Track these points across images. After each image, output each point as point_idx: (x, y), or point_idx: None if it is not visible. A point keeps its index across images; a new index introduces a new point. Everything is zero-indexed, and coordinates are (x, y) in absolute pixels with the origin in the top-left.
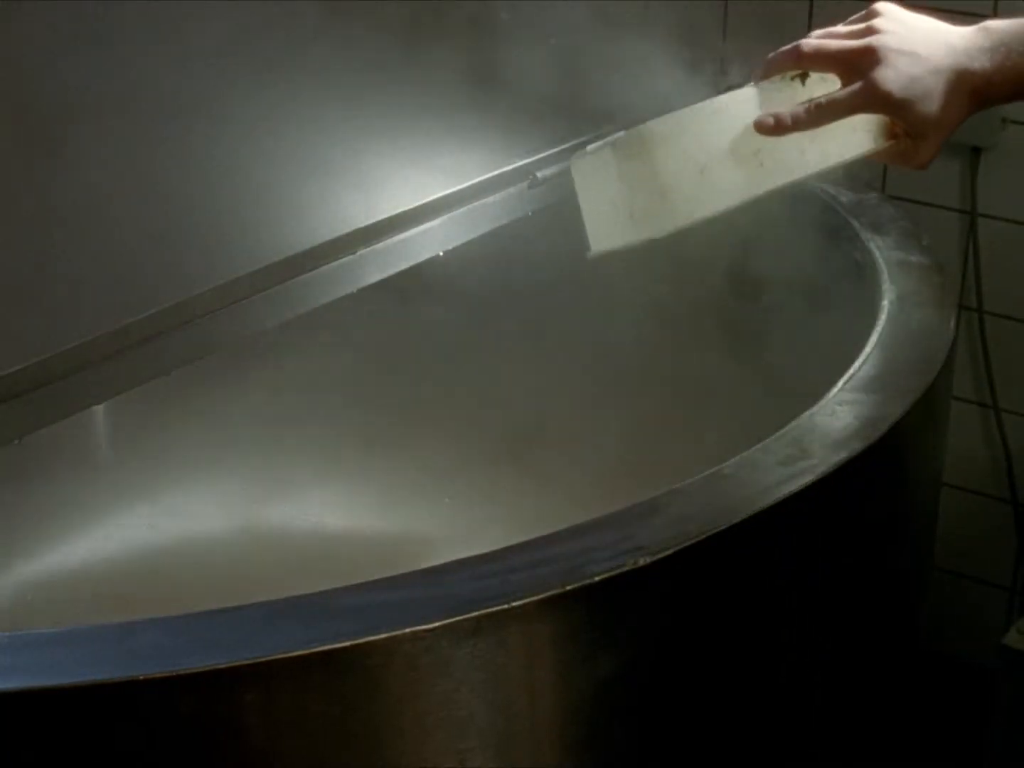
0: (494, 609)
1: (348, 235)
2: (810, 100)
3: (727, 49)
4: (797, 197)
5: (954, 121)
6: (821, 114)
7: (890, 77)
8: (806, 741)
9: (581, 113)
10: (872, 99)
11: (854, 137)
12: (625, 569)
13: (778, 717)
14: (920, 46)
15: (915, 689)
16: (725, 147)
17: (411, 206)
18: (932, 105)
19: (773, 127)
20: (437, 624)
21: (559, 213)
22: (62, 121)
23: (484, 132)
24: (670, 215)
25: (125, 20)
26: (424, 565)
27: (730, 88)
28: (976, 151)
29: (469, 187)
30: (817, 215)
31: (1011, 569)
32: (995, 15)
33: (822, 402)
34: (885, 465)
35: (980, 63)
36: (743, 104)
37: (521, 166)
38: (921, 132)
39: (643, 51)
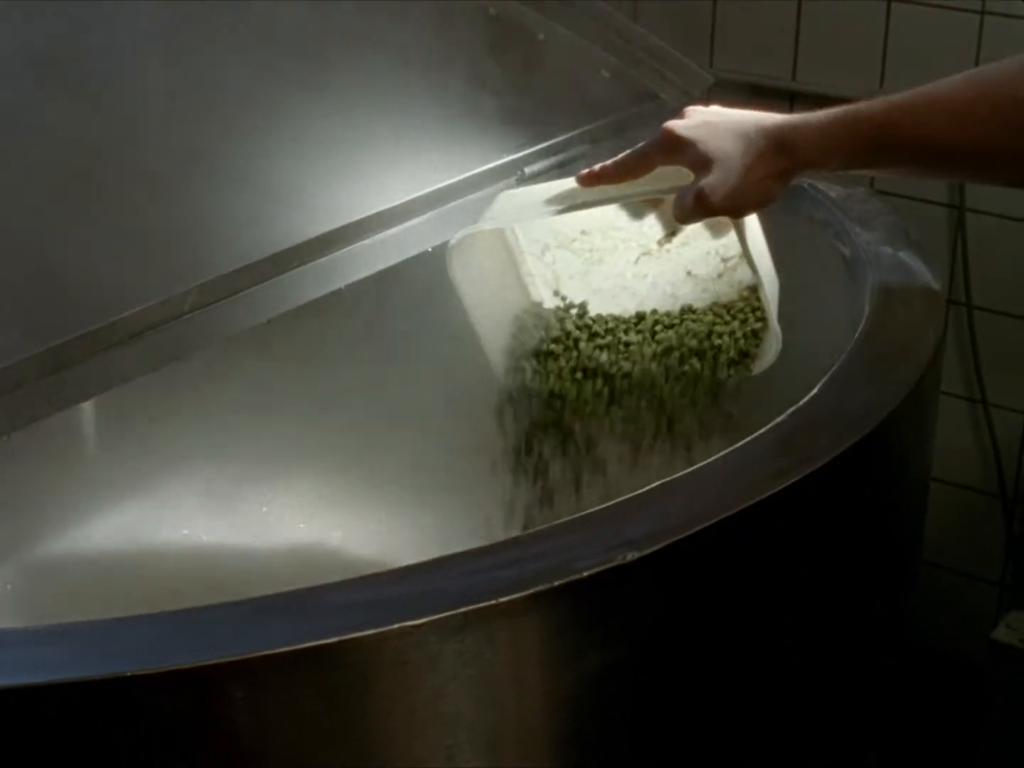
0: (482, 605)
1: (335, 231)
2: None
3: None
4: (785, 192)
5: (749, 161)
6: (624, 162)
7: (683, 123)
8: (796, 736)
9: (568, 110)
10: (662, 141)
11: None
12: (613, 565)
13: (767, 712)
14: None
15: (905, 684)
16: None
17: (399, 202)
18: (718, 141)
19: (584, 177)
20: (425, 620)
21: None
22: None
23: (471, 128)
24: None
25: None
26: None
27: None
28: None
29: (456, 183)
30: (805, 209)
31: (1000, 564)
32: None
33: (809, 397)
34: (873, 460)
35: (780, 116)
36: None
37: (508, 162)
38: (702, 163)
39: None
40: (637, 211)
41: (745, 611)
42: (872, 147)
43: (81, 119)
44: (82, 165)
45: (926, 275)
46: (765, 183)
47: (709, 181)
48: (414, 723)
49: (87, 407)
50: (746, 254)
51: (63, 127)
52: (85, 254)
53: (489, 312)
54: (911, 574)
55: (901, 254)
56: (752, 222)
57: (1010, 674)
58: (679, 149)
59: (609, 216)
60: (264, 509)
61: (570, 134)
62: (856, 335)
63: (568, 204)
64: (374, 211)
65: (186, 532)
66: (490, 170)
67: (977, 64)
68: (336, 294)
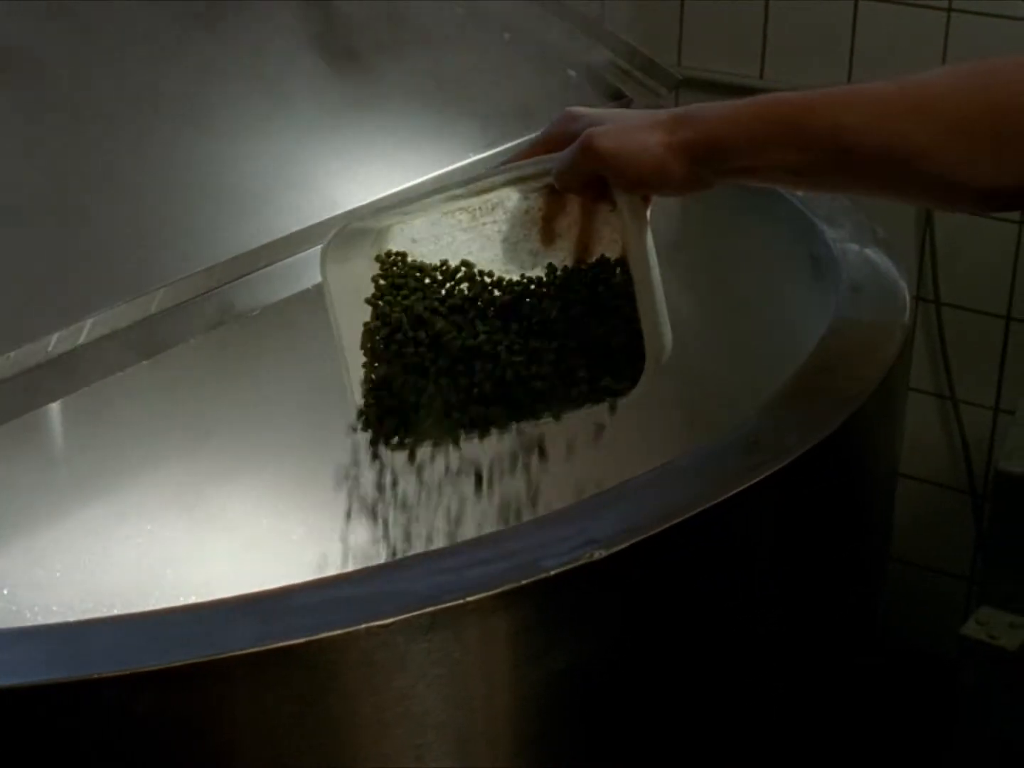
0: (449, 604)
1: (302, 231)
2: None
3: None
4: (751, 190)
5: (646, 124)
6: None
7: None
8: (765, 735)
9: (535, 109)
10: (561, 116)
11: None
12: (580, 563)
13: (736, 711)
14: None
15: (875, 680)
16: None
17: (366, 202)
18: (617, 112)
19: None
20: (392, 620)
21: None
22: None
23: (437, 129)
24: None
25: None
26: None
27: None
28: None
29: (429, 181)
30: (771, 207)
31: (969, 559)
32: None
33: (775, 394)
34: (841, 456)
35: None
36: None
37: (475, 162)
38: (597, 122)
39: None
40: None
41: (713, 610)
42: (786, 131)
43: (40, 122)
44: (44, 167)
45: (893, 272)
46: (661, 150)
47: (599, 127)
48: (382, 723)
49: (54, 409)
50: (626, 245)
51: (25, 130)
52: (50, 256)
53: (357, 322)
54: (880, 570)
55: (868, 251)
56: (642, 226)
57: (980, 669)
58: (575, 118)
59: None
60: (226, 507)
61: (537, 134)
62: (823, 332)
63: (449, 194)
64: (341, 211)
65: (150, 528)
66: (456, 171)
67: (944, 62)
68: (302, 295)
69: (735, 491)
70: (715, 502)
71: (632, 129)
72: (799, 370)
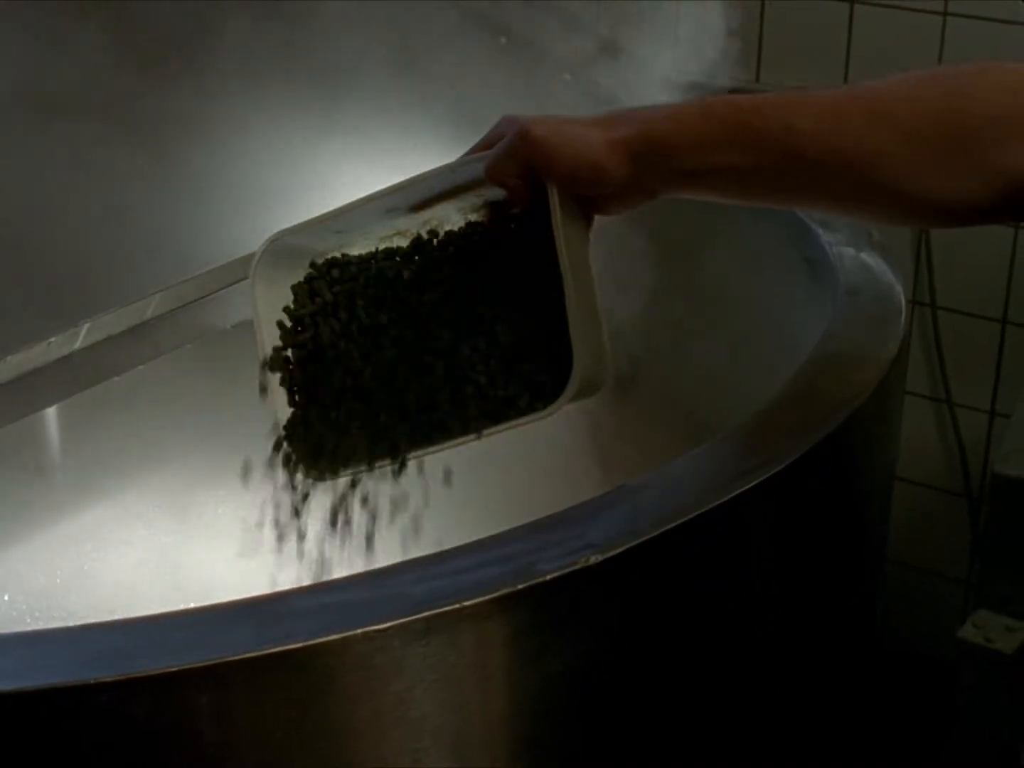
0: (445, 609)
1: None
2: None
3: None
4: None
5: (584, 120)
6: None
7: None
8: (762, 737)
9: (531, 112)
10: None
11: None
12: (576, 567)
13: (733, 713)
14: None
15: (872, 683)
16: None
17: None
18: (549, 118)
19: None
20: (389, 624)
21: None
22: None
23: (430, 133)
24: None
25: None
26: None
27: None
28: None
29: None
30: (767, 211)
31: (966, 562)
32: (945, 15)
33: (772, 398)
34: (837, 459)
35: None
36: None
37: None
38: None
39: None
40: None
41: (710, 613)
42: (734, 131)
43: (39, 132)
44: (41, 175)
45: (889, 276)
46: (600, 144)
47: (537, 118)
48: (379, 727)
49: (50, 413)
50: (558, 247)
51: (24, 138)
52: (46, 261)
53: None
54: (877, 574)
55: (864, 255)
56: (579, 235)
57: (976, 673)
58: (513, 121)
59: None
60: (219, 511)
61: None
62: (819, 336)
63: (383, 203)
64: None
65: (146, 533)
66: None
67: (940, 64)
68: None
69: (732, 495)
70: (712, 505)
71: (571, 123)
72: (795, 373)
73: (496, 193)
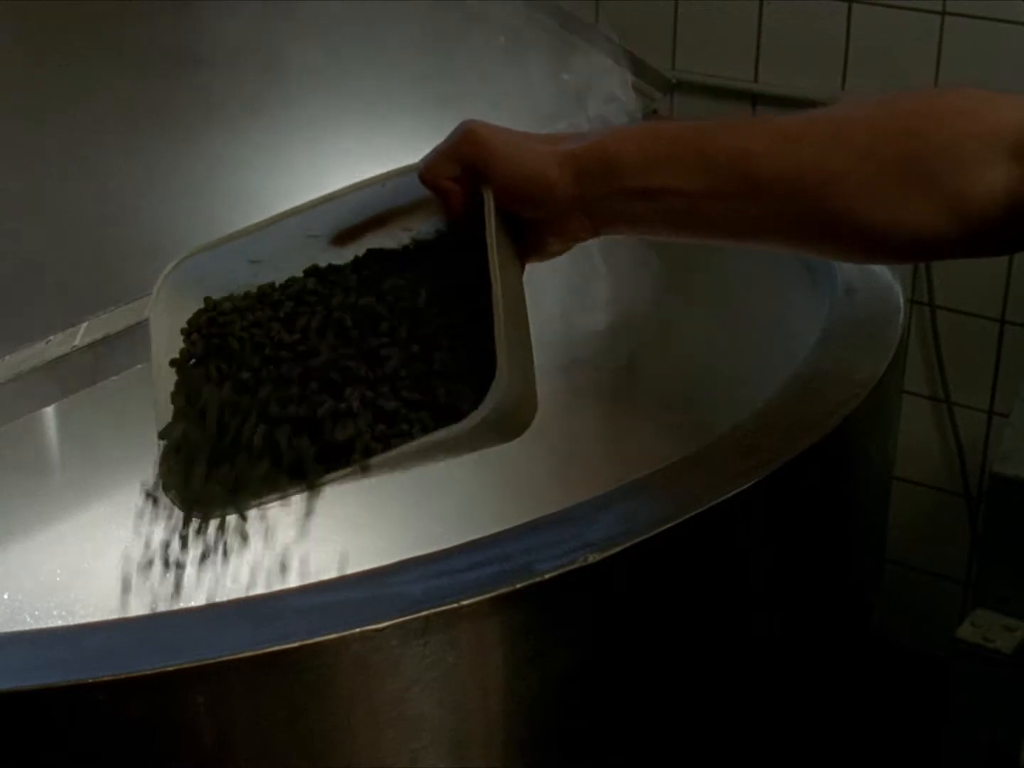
0: (444, 608)
1: None
2: None
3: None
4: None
5: (531, 135)
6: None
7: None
8: (761, 736)
9: (528, 113)
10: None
11: None
12: (575, 566)
13: (732, 712)
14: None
15: (870, 682)
16: None
17: None
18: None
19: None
20: (386, 624)
21: None
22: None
23: (428, 133)
24: None
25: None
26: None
27: None
28: None
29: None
30: None
31: (964, 562)
32: (943, 14)
33: (772, 396)
34: (835, 460)
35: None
36: None
37: None
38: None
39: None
40: None
41: (707, 612)
42: (684, 151)
43: (37, 130)
44: (40, 173)
45: (887, 275)
46: (545, 154)
47: (484, 122)
48: (377, 727)
49: (49, 413)
50: (490, 253)
51: (22, 137)
52: (44, 260)
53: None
54: (875, 573)
55: None
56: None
57: (975, 672)
58: (463, 122)
59: None
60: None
61: None
62: (817, 336)
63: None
64: None
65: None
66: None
67: (938, 65)
68: None
69: (730, 494)
70: (710, 505)
71: (520, 133)
72: (793, 373)
73: (427, 228)
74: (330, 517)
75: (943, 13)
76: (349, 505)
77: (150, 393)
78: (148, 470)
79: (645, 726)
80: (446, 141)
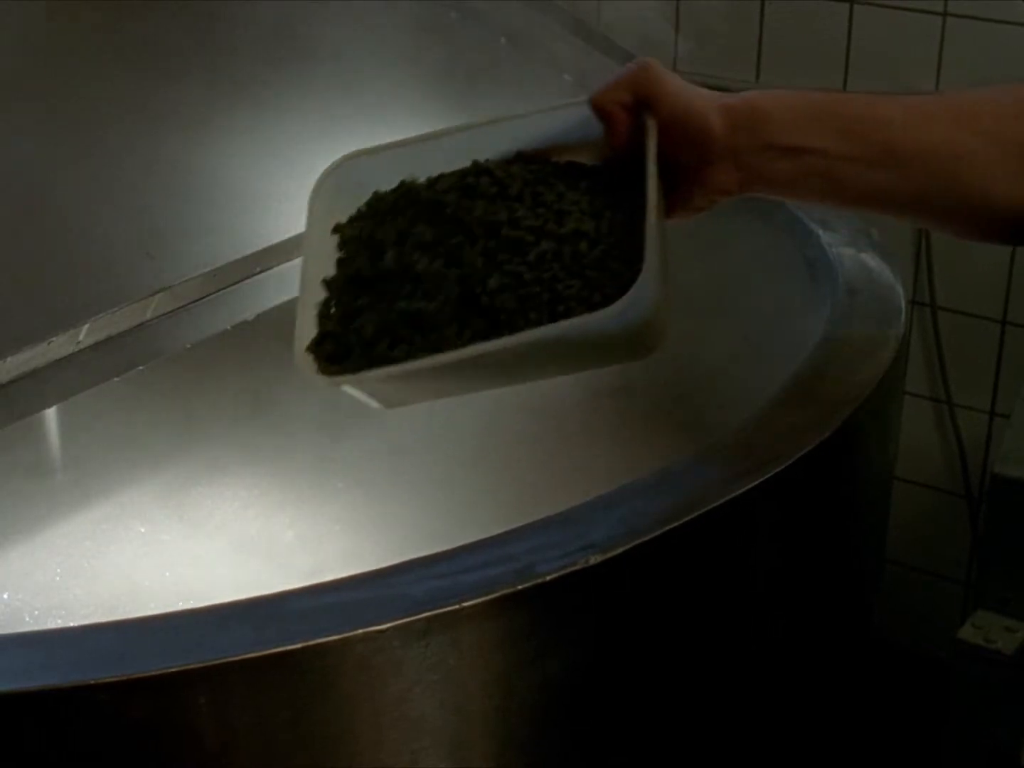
0: (445, 609)
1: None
2: None
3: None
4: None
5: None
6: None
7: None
8: (762, 736)
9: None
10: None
11: None
12: (576, 568)
13: (733, 713)
14: None
15: (871, 683)
16: None
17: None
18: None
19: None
20: (388, 625)
21: None
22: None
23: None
24: None
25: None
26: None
27: None
28: None
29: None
30: (768, 211)
31: (965, 563)
32: (945, 15)
33: (773, 397)
34: (837, 460)
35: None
36: None
37: None
38: None
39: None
40: None
41: (709, 614)
42: (828, 115)
43: (39, 132)
44: (42, 174)
45: (889, 276)
46: (709, 99)
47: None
48: (379, 727)
49: (50, 413)
50: (648, 172)
51: (23, 138)
52: (46, 262)
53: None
54: (875, 574)
55: (864, 255)
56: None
57: (976, 673)
58: (637, 60)
59: None
60: (217, 511)
61: None
62: (819, 336)
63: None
64: None
65: (144, 531)
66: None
67: (939, 66)
68: (296, 300)
69: (732, 495)
70: (712, 506)
71: (688, 82)
72: (795, 374)
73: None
74: (331, 517)
75: (944, 14)
76: (350, 505)
77: (151, 394)
78: (148, 471)
79: (646, 727)
80: (621, 70)
